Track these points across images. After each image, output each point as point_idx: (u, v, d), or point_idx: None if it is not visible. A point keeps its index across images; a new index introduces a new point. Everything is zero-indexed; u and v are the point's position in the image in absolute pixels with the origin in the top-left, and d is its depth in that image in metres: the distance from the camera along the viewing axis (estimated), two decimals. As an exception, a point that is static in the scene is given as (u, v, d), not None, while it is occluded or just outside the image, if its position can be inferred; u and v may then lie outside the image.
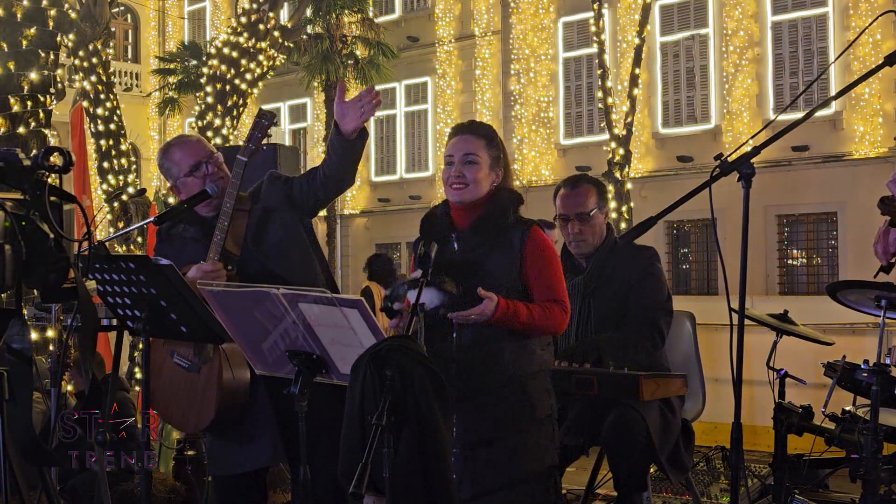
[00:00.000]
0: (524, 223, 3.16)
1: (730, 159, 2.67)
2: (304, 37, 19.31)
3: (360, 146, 3.24)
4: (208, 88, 12.13)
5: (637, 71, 16.03)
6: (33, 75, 6.95)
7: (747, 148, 2.80)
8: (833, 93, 14.30)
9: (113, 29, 13.78)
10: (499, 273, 3.08)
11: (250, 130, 3.40)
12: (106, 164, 11.93)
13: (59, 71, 7.40)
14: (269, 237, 3.38)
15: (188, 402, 3.31)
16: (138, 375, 7.43)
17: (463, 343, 3.07)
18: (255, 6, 12.28)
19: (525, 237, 3.11)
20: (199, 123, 12.06)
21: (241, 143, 3.59)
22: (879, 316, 3.46)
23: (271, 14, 12.42)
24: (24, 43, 6.96)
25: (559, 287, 3.14)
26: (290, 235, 3.40)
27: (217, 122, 11.94)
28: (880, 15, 3.13)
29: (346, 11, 20.65)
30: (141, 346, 3.17)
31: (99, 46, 11.78)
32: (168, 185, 3.57)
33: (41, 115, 7.04)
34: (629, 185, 16.02)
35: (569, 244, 4.00)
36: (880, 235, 3.11)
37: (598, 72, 16.41)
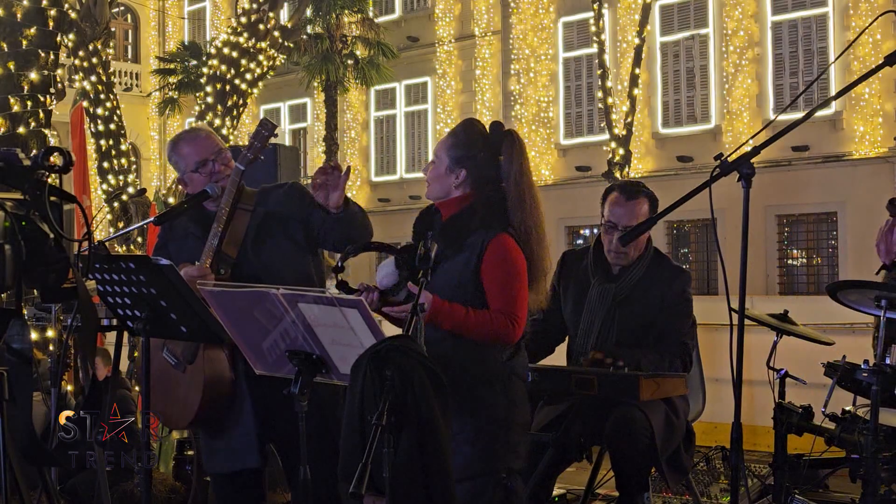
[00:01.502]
0: (492, 229, 3.07)
1: (730, 159, 2.67)
2: (304, 37, 19.32)
3: (353, 212, 3.25)
4: (208, 88, 12.13)
5: (637, 71, 16.05)
6: (33, 75, 6.95)
7: (747, 148, 2.80)
8: (833, 93, 14.33)
9: (113, 29, 13.77)
10: (452, 275, 3.06)
11: (251, 139, 3.38)
12: (106, 164, 11.92)
13: (59, 71, 7.39)
14: (268, 241, 3.37)
15: (172, 398, 3.31)
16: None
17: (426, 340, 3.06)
18: (255, 6, 12.27)
19: (486, 243, 3.04)
20: (199, 123, 12.06)
21: (240, 143, 3.59)
22: (879, 316, 3.46)
23: (271, 14, 12.41)
24: (24, 43, 6.95)
25: (513, 298, 3.04)
26: (290, 241, 3.40)
27: (217, 122, 11.92)
28: (880, 15, 3.15)
29: (346, 11, 20.66)
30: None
31: (99, 46, 11.77)
32: (174, 177, 3.58)
33: (41, 115, 7.03)
34: (629, 185, 16.01)
35: (607, 253, 3.90)
36: (883, 234, 3.11)
37: (598, 72, 16.43)
